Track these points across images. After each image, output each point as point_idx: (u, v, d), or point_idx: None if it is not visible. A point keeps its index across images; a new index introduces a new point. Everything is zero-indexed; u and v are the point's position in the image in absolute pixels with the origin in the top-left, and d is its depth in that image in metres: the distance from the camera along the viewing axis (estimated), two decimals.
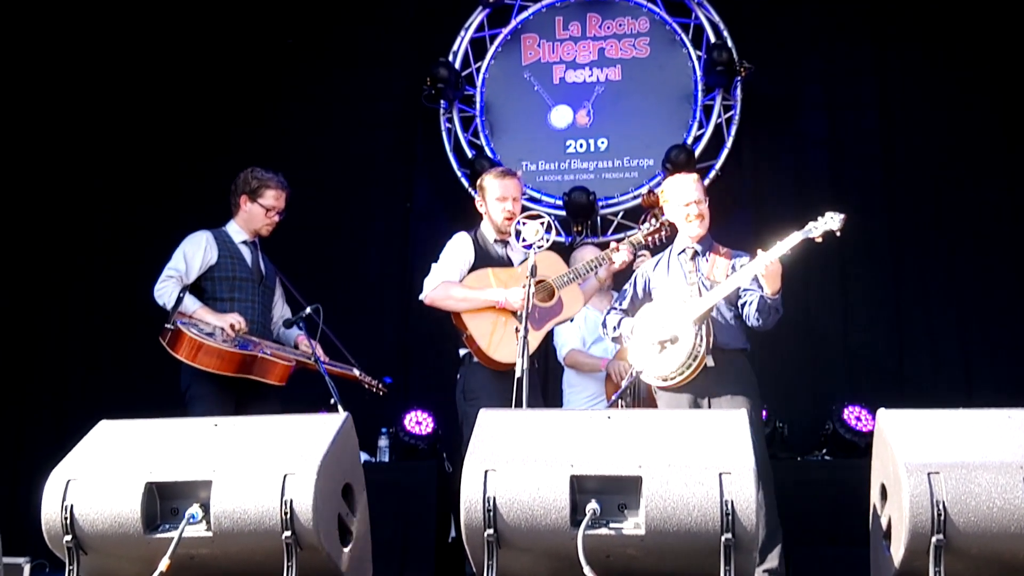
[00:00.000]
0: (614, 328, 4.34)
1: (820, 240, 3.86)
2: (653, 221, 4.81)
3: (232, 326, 4.38)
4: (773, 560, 3.93)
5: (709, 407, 4.01)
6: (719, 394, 4.05)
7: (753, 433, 3.92)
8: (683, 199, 4.25)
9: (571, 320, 4.81)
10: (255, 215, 4.65)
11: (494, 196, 4.59)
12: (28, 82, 6.34)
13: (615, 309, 4.40)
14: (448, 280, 4.48)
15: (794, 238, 3.87)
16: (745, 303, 4.10)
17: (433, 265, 4.58)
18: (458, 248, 4.57)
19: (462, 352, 4.54)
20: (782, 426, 5.32)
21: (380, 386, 4.65)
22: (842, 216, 3.81)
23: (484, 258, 4.55)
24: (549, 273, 4.46)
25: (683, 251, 4.26)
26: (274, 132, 6.34)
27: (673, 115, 6.27)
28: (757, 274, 3.91)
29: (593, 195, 6.06)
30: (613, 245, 4.63)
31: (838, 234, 3.82)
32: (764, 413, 4.72)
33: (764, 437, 4.16)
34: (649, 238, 4.75)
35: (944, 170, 5.99)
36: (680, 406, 4.08)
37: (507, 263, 4.59)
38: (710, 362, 4.00)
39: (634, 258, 4.65)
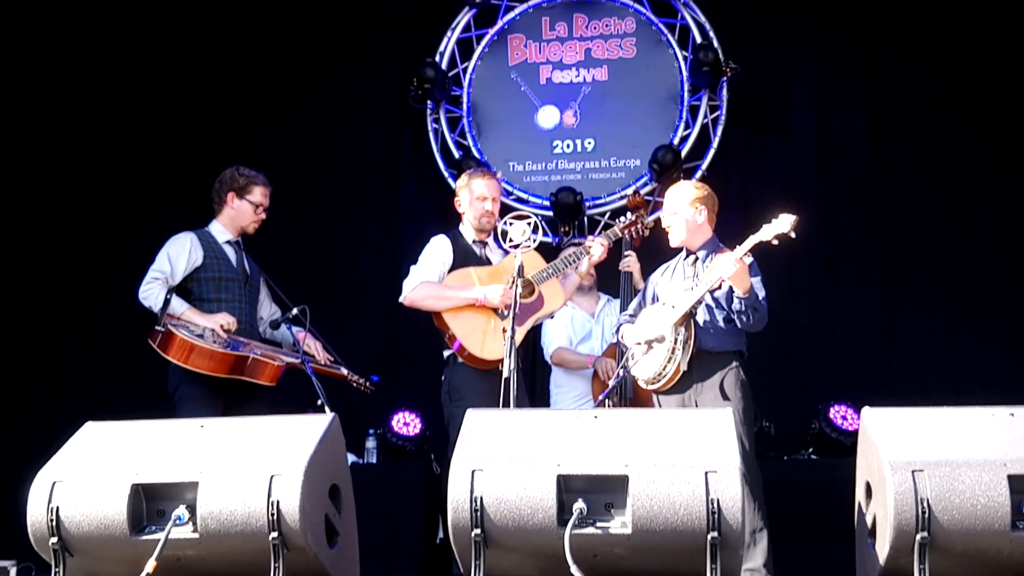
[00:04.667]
0: (613, 334, 4.38)
1: (776, 243, 3.87)
2: (629, 215, 4.89)
3: (222, 326, 4.37)
4: (757, 559, 3.94)
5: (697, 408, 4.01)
6: (703, 398, 4.07)
7: (745, 433, 3.98)
8: (663, 211, 4.33)
9: (552, 316, 4.84)
10: (243, 212, 4.64)
11: (475, 196, 4.63)
12: (17, 82, 6.31)
13: (625, 319, 4.43)
14: (426, 280, 4.50)
15: (749, 242, 3.91)
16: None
17: (412, 267, 4.59)
18: (436, 249, 4.60)
19: (446, 354, 4.56)
20: (768, 425, 5.33)
21: (367, 384, 4.65)
22: (794, 218, 3.82)
23: (463, 259, 4.58)
24: (528, 269, 4.47)
25: (688, 256, 4.29)
26: (261, 133, 6.33)
27: (660, 115, 6.28)
28: (722, 277, 3.91)
29: (580, 195, 6.06)
30: (590, 238, 4.68)
31: (792, 235, 3.82)
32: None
33: (752, 439, 4.14)
34: (625, 231, 4.82)
35: (931, 169, 6.01)
36: (669, 408, 4.09)
37: (486, 263, 4.62)
38: (684, 366, 4.02)
39: (610, 250, 4.68)
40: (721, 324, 4.11)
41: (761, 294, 4.07)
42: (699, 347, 4.06)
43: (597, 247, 4.59)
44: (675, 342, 4.03)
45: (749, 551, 3.91)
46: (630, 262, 5.07)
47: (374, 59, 6.52)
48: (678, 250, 4.35)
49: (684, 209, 4.23)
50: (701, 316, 4.10)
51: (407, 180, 6.47)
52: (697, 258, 4.24)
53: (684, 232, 4.24)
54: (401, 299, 4.57)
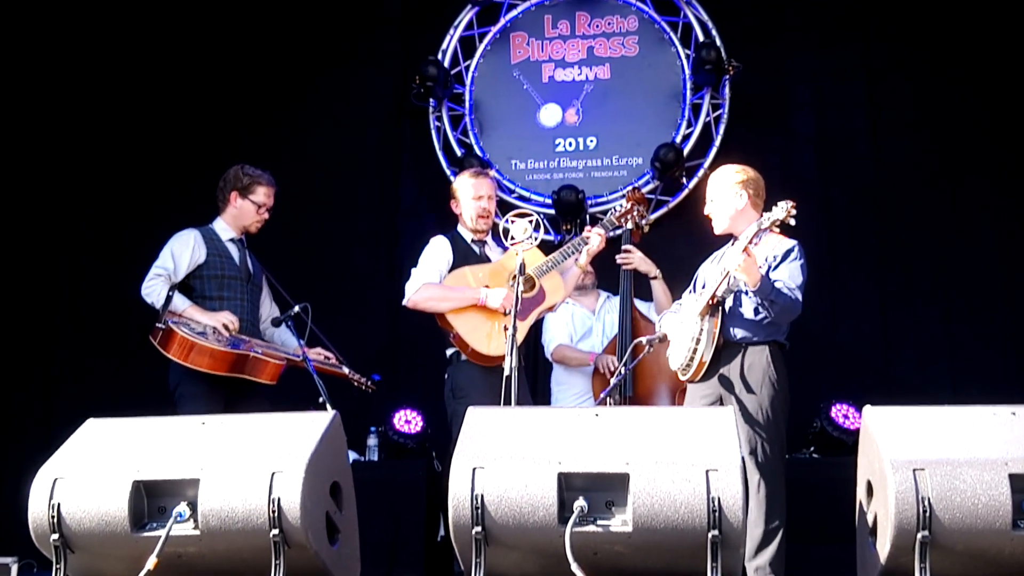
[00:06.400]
0: (657, 323, 4.33)
1: (777, 230, 3.82)
2: (625, 203, 4.87)
3: (225, 325, 4.37)
4: (765, 556, 3.89)
5: (721, 403, 3.94)
6: (731, 389, 3.96)
7: (770, 430, 3.90)
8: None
9: (554, 310, 4.84)
10: (246, 212, 4.64)
11: (468, 196, 4.64)
12: (16, 79, 6.31)
13: (673, 308, 4.33)
14: (428, 282, 4.50)
15: (749, 232, 3.83)
16: None
17: (413, 270, 4.60)
18: (436, 250, 4.60)
19: (449, 352, 4.57)
20: None
21: (369, 383, 4.65)
22: (789, 204, 3.73)
23: (463, 259, 4.59)
24: (528, 265, 4.47)
25: (734, 242, 4.14)
26: (262, 131, 6.32)
27: (662, 114, 6.27)
28: (731, 271, 3.85)
29: (582, 193, 6.06)
30: (587, 229, 4.67)
31: (792, 222, 3.75)
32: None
33: (782, 435, 4.02)
34: (622, 220, 4.81)
35: (931, 169, 6.01)
36: (695, 399, 4.04)
37: (485, 262, 4.63)
38: (709, 357, 3.93)
39: (608, 241, 4.67)
40: (749, 314, 3.96)
41: (795, 282, 3.93)
42: (726, 337, 3.96)
43: (595, 237, 4.59)
44: (700, 332, 3.93)
45: (761, 548, 3.87)
46: (630, 257, 5.02)
47: (374, 57, 6.52)
48: (722, 240, 4.25)
49: (723, 195, 4.11)
50: (729, 306, 3.98)
51: (407, 178, 6.48)
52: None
53: (726, 219, 4.11)
54: (404, 302, 4.57)
